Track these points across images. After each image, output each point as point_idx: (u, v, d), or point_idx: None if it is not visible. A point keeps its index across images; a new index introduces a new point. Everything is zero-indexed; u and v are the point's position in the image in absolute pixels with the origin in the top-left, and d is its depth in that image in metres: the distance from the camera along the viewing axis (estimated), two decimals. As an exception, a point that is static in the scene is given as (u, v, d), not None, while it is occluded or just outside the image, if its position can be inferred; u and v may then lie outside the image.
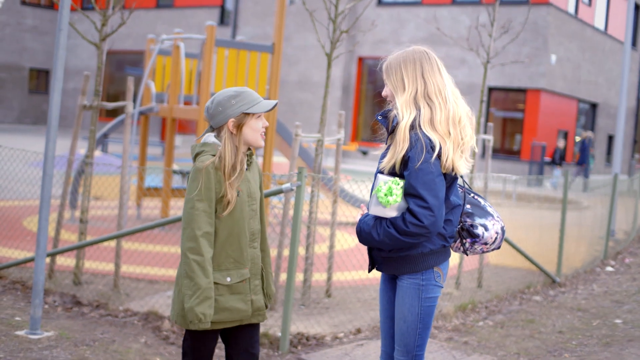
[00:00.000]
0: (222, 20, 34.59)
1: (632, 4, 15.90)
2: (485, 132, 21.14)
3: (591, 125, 33.09)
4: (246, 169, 3.85)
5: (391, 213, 3.54)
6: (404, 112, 3.60)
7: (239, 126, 3.75)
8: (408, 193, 3.52)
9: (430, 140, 3.52)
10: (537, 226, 12.53)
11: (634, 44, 35.23)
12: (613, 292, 9.32)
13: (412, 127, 3.57)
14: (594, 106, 33.00)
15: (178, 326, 6.31)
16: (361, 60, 31.87)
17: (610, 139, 34.74)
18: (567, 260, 10.43)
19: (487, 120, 27.87)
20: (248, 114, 3.76)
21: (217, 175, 3.70)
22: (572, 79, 29.86)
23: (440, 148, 3.52)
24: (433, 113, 3.58)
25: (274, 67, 11.45)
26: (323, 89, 30.92)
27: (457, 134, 3.59)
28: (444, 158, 3.53)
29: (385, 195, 3.51)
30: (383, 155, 3.70)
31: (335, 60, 7.40)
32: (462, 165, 3.62)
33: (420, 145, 3.50)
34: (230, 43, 11.87)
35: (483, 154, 19.52)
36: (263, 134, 3.84)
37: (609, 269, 11.15)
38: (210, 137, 3.82)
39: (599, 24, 32.58)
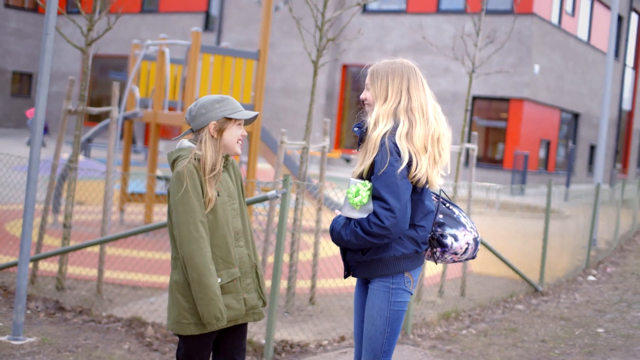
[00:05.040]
0: (207, 26, 34.55)
1: (616, 16, 16.03)
2: (469, 141, 21.23)
3: (573, 135, 33.29)
4: (223, 170, 3.90)
5: (359, 214, 3.65)
6: (379, 121, 3.68)
7: (220, 130, 3.80)
8: (374, 196, 3.62)
9: (396, 147, 3.59)
10: (520, 235, 12.59)
11: (616, 55, 35.50)
12: (595, 301, 9.37)
13: (383, 136, 3.64)
14: (576, 116, 33.21)
15: (163, 333, 6.30)
16: (345, 67, 31.93)
17: (592, 149, 34.95)
18: (549, 269, 10.47)
19: (470, 129, 27.98)
20: (230, 119, 3.82)
21: (199, 176, 3.74)
22: (555, 89, 30.04)
23: (411, 159, 3.59)
24: (412, 128, 3.65)
25: (259, 73, 11.46)
26: (308, 96, 30.93)
27: (434, 151, 3.68)
28: (414, 169, 3.61)
29: (354, 196, 3.63)
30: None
31: (319, 67, 7.41)
32: (438, 181, 3.73)
33: (385, 150, 3.58)
34: (215, 49, 11.86)
35: (467, 163, 19.60)
36: (241, 142, 3.89)
37: (591, 278, 11.21)
38: (185, 142, 3.87)
39: (582, 34, 32.81)
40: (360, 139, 3.77)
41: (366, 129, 3.72)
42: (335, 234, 3.74)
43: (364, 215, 3.63)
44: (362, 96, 3.82)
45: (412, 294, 3.79)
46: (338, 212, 3.80)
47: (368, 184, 3.62)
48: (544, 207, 10.48)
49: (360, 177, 3.70)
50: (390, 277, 3.71)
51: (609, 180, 32.36)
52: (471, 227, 3.88)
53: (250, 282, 3.92)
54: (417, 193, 3.68)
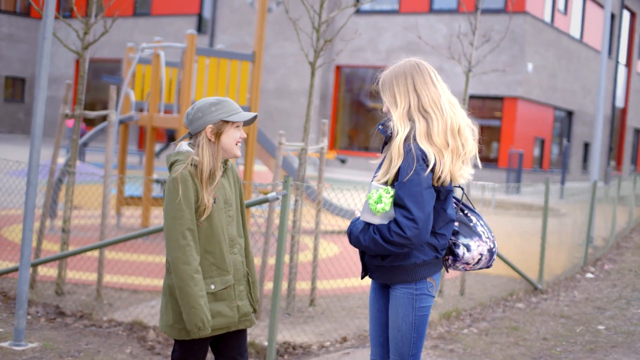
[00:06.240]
0: (200, 29, 34.54)
1: (609, 14, 16.06)
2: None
3: (567, 132, 33.35)
4: (221, 176, 3.85)
5: (379, 220, 3.56)
6: (398, 127, 3.60)
7: (217, 134, 3.75)
8: (396, 203, 3.53)
9: (423, 153, 3.51)
10: (518, 233, 12.59)
11: (609, 52, 35.57)
12: (594, 298, 9.38)
13: (407, 140, 3.56)
14: (569, 114, 33.28)
15: (164, 336, 6.28)
16: (339, 68, 31.94)
17: (586, 146, 35.02)
18: (547, 267, 10.48)
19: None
20: (227, 122, 3.76)
21: (194, 182, 3.70)
22: (548, 87, 30.10)
23: (435, 162, 3.52)
24: (430, 125, 3.57)
25: (255, 75, 11.44)
26: (301, 97, 30.93)
27: (457, 144, 3.59)
28: (438, 171, 3.52)
29: (375, 202, 3.53)
30: (380, 165, 3.70)
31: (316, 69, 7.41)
32: (463, 174, 3.63)
33: (411, 157, 3.50)
34: (210, 52, 11.85)
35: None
36: (239, 144, 3.85)
37: (589, 275, 11.22)
38: (184, 146, 3.82)
39: (575, 32, 32.88)
40: (385, 142, 3.70)
41: (390, 134, 3.64)
42: (353, 238, 3.67)
43: (385, 222, 3.55)
44: (384, 109, 3.75)
45: (434, 297, 3.75)
46: (358, 214, 3.72)
47: (391, 190, 3.53)
48: (539, 206, 10.50)
49: (384, 184, 3.61)
50: (413, 284, 3.65)
51: (604, 178, 32.42)
52: (487, 237, 3.78)
53: (243, 289, 3.90)
54: (439, 201, 3.60)
